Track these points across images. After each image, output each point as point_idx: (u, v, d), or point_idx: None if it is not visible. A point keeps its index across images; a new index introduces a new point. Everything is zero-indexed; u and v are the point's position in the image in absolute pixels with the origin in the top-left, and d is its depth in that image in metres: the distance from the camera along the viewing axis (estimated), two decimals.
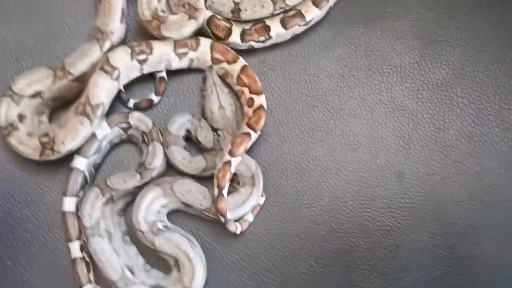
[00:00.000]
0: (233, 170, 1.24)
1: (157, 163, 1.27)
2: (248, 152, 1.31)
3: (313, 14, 1.33)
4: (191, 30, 1.25)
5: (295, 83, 1.37)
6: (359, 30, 1.40)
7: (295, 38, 1.38)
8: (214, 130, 1.30)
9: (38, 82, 1.25)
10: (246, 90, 1.30)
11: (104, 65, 1.21)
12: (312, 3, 1.33)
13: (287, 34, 1.34)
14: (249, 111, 1.29)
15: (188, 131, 1.30)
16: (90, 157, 1.27)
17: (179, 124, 1.29)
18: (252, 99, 1.29)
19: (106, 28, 1.26)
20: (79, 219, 1.25)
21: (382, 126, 1.36)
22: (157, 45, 1.26)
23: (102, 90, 1.21)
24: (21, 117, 1.25)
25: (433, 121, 1.36)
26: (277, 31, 1.33)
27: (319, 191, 1.33)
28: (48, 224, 1.29)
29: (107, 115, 1.29)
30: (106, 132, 1.27)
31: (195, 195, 1.26)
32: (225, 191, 1.23)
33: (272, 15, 1.33)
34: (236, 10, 1.32)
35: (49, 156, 1.22)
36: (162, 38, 1.26)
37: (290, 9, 1.34)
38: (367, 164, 1.34)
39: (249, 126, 1.27)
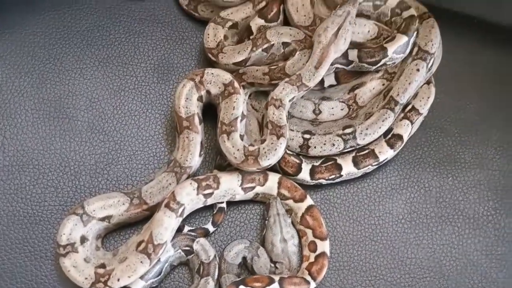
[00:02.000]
0: None
1: None
2: None
3: (387, 155, 1.28)
4: (284, 148, 1.22)
5: (358, 225, 1.30)
6: (430, 175, 1.33)
7: (362, 175, 1.32)
8: (272, 261, 1.22)
9: (112, 206, 1.21)
10: (309, 232, 1.23)
11: (171, 202, 1.17)
12: (386, 144, 1.29)
13: (358, 173, 1.29)
14: (310, 255, 1.21)
15: (244, 258, 1.23)
16: (149, 280, 1.19)
17: (236, 252, 1.23)
18: (314, 244, 1.21)
19: (185, 163, 1.24)
20: None
21: (452, 282, 1.25)
22: (224, 180, 1.22)
23: (167, 229, 1.15)
24: (83, 239, 1.20)
25: (510, 280, 1.25)
26: (348, 170, 1.28)
27: None
28: None
29: None
30: (170, 254, 1.21)
31: None
32: None
33: (342, 153, 1.29)
34: (305, 146, 1.28)
35: None
36: (263, 168, 1.23)
37: (362, 148, 1.29)
38: None
39: (310, 273, 1.18)
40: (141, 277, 1.18)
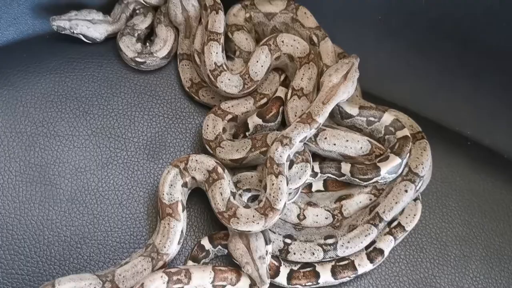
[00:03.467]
0: None
1: None
2: None
3: (366, 268, 1.28)
4: (286, 183, 1.21)
5: None
6: None
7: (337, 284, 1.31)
8: None
9: None
10: None
11: None
12: (367, 257, 1.28)
13: (335, 283, 1.28)
14: None
15: None
16: None
17: None
18: None
19: (163, 249, 1.23)
20: None
21: None
22: (195, 275, 1.19)
23: None
24: None
25: None
26: (326, 279, 1.27)
27: None
28: None
29: None
30: None
31: None
32: None
33: (321, 262, 1.28)
34: (285, 251, 1.26)
35: None
36: (282, 210, 1.21)
37: (342, 258, 1.28)
38: None
39: None
40: None
